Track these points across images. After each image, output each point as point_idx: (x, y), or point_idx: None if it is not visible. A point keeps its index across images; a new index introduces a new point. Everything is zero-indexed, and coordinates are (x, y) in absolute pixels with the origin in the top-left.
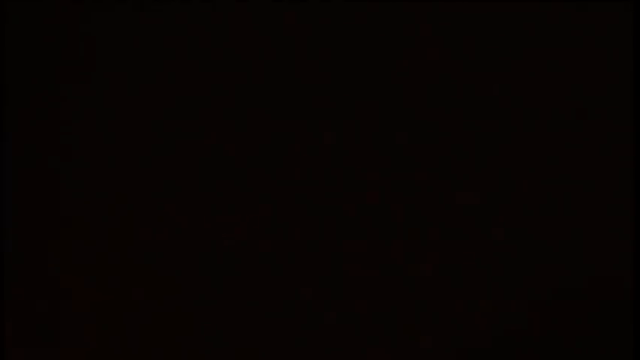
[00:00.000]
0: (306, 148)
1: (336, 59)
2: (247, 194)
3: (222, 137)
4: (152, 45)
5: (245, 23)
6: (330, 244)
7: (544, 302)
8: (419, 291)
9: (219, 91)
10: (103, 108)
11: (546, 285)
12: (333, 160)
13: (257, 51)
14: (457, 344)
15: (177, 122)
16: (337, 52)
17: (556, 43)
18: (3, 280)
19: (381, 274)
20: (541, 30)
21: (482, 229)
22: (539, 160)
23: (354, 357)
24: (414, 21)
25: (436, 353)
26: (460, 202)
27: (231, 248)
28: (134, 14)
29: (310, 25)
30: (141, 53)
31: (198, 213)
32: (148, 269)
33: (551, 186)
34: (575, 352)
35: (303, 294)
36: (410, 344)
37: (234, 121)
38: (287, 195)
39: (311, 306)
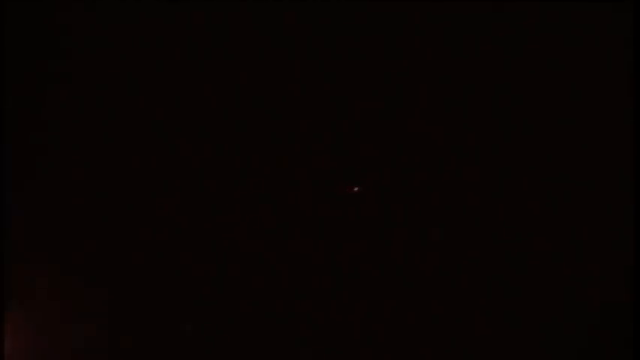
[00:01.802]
0: (306, 148)
1: (335, 59)
2: (247, 194)
3: (222, 137)
4: (152, 45)
5: (245, 23)
6: (330, 243)
7: (543, 302)
8: (418, 292)
9: (219, 91)
10: (103, 108)
11: (546, 285)
12: (334, 159)
13: (257, 51)
14: (456, 345)
15: (177, 122)
16: (337, 52)
17: (556, 43)
18: (3, 280)
19: (381, 274)
20: (541, 30)
21: (482, 229)
22: (539, 160)
23: (353, 356)
24: (415, 21)
25: (435, 354)
26: (459, 202)
27: (231, 248)
28: (134, 14)
29: (310, 25)
30: (141, 53)
31: (198, 213)
32: (148, 269)
33: (551, 186)
34: (573, 352)
35: (302, 293)
36: (409, 345)
37: (234, 122)
38: (287, 194)
39: (311, 305)
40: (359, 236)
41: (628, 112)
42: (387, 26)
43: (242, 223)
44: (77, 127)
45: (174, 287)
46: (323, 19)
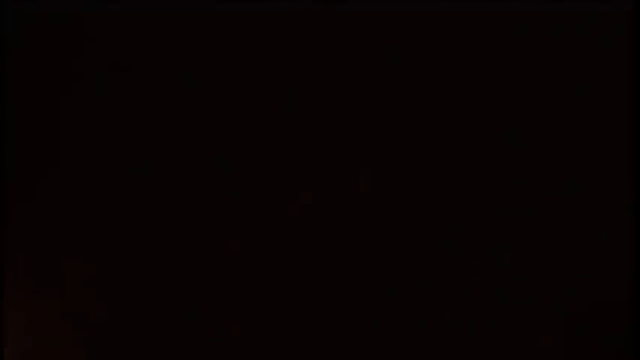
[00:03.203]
0: (304, 151)
1: (335, 61)
2: (245, 198)
3: (229, 139)
4: (153, 46)
5: (244, 25)
6: (328, 247)
7: (543, 302)
8: (419, 291)
9: (225, 92)
10: (104, 109)
11: (546, 284)
12: (331, 161)
13: (256, 53)
14: (456, 344)
15: (185, 124)
16: (336, 53)
17: (556, 43)
18: (4, 280)
19: (381, 274)
20: (541, 30)
21: (482, 229)
22: (539, 159)
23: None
24: (414, 21)
25: (435, 354)
26: (460, 202)
27: (229, 253)
28: (134, 15)
29: (310, 27)
30: (142, 54)
31: (203, 214)
32: (148, 270)
33: (552, 186)
34: (571, 352)
35: (300, 295)
36: (410, 344)
37: (232, 122)
38: (286, 198)
39: (308, 308)
40: (360, 239)
41: (629, 112)
42: (386, 26)
43: (241, 226)
44: (78, 128)
45: (177, 289)
46: (323, 19)
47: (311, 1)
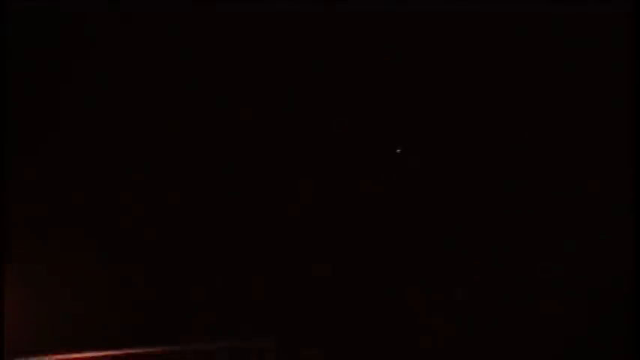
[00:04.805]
0: (304, 151)
1: (335, 61)
2: (241, 199)
3: (220, 135)
4: (153, 46)
5: (244, 25)
6: (328, 247)
7: (543, 302)
8: (420, 289)
9: (218, 90)
10: (104, 108)
11: (545, 286)
12: (331, 161)
13: (256, 53)
14: (459, 341)
15: (178, 122)
16: (336, 53)
17: (556, 43)
18: (4, 282)
19: (381, 272)
20: (541, 30)
21: (482, 229)
22: (540, 161)
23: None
24: (415, 22)
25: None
26: (463, 202)
27: (225, 251)
28: (134, 15)
29: (310, 27)
30: (142, 54)
31: (195, 216)
32: (147, 267)
33: (552, 186)
34: (572, 352)
35: (299, 294)
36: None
37: (229, 121)
38: (283, 198)
39: (307, 308)
40: (360, 237)
41: (629, 112)
42: (386, 27)
43: (237, 225)
44: (81, 127)
45: (176, 287)
46: (321, 19)
47: (311, 1)
